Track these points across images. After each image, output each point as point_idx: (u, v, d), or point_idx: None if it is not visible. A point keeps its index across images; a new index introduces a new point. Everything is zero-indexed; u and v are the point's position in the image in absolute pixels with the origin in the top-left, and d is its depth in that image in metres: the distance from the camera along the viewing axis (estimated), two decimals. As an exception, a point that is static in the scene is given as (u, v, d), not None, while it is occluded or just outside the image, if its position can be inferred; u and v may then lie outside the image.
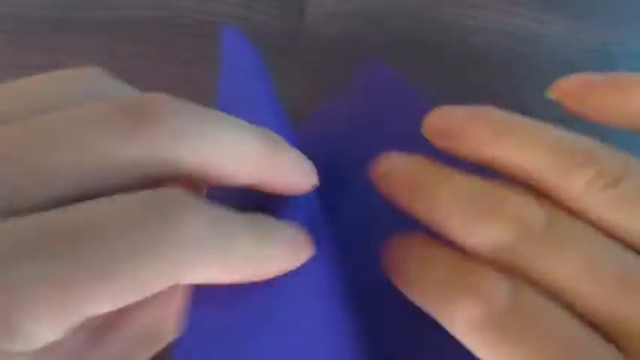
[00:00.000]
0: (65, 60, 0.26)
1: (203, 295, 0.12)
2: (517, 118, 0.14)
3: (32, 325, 0.10)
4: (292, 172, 0.13)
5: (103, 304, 0.10)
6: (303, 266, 0.13)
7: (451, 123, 0.14)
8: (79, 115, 0.11)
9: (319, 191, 0.16)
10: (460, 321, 0.12)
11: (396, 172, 0.15)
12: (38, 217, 0.10)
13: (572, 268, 0.12)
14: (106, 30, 0.27)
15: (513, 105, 0.26)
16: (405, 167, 0.14)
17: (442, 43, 0.27)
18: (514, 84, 0.27)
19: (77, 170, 0.11)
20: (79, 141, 0.11)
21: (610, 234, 0.12)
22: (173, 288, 0.12)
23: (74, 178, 0.11)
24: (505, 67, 0.27)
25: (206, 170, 0.12)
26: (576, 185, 0.12)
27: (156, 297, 0.14)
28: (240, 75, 0.19)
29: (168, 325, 0.14)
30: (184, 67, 0.26)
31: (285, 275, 0.12)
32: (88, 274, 0.10)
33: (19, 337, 0.10)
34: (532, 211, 0.12)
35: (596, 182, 0.12)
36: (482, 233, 0.12)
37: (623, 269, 0.11)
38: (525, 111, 0.26)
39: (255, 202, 0.14)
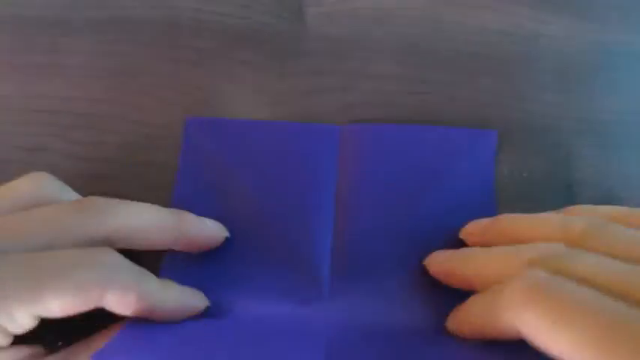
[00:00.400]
0: (65, 60, 0.26)
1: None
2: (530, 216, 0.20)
3: (14, 309, 0.16)
4: (198, 237, 0.21)
5: (55, 300, 0.17)
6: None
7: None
8: (54, 210, 0.19)
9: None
10: (515, 299, 0.16)
11: (437, 261, 0.21)
12: (26, 255, 0.17)
13: (590, 265, 0.16)
14: (106, 30, 0.27)
15: (513, 104, 0.26)
16: (446, 257, 0.21)
17: (442, 44, 0.27)
18: (514, 84, 0.27)
19: (55, 238, 0.18)
20: (56, 224, 0.18)
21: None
22: (108, 333, 0.19)
23: (53, 243, 0.18)
24: (505, 67, 0.27)
25: (134, 239, 0.19)
26: (576, 232, 0.18)
27: (94, 341, 0.19)
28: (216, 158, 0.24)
29: None
30: (184, 67, 0.26)
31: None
32: (47, 279, 0.17)
33: (6, 316, 0.16)
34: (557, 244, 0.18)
35: (590, 228, 0.18)
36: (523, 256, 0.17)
37: (624, 262, 0.16)
38: (525, 110, 0.26)
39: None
